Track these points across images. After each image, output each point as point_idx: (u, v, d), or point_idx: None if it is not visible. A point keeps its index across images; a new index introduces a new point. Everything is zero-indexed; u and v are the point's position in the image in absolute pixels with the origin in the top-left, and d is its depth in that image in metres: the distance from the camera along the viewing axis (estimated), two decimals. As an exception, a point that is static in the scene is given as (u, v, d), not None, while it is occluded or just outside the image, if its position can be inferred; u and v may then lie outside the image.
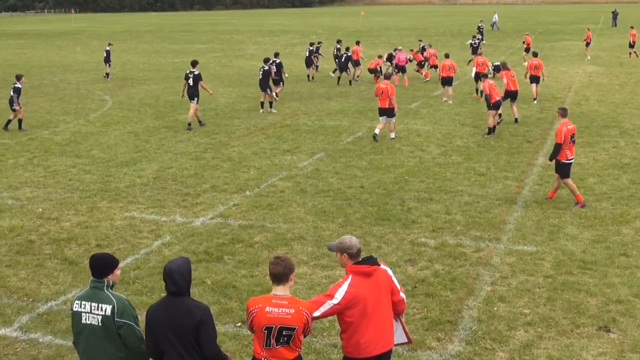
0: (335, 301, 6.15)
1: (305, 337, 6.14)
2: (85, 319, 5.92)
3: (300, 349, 6.12)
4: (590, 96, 28.03)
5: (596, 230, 12.56)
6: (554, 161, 14.09)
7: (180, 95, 24.65)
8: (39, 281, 10.67)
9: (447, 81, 26.55)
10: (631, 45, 43.66)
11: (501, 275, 10.69)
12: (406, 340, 6.82)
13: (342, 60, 32.53)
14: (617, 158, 17.82)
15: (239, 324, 9.06)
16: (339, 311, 6.18)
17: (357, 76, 33.91)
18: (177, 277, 5.80)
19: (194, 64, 22.95)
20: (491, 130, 20.72)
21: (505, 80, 22.45)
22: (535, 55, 27.86)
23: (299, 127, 22.45)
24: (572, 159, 14.05)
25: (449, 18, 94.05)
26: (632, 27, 45.62)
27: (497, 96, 20.57)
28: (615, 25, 71.27)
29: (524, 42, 43.88)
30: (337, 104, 26.87)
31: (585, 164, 17.22)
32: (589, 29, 47.28)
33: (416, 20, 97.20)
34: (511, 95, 22.51)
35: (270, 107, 25.61)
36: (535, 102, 26.63)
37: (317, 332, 8.94)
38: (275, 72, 26.59)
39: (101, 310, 5.87)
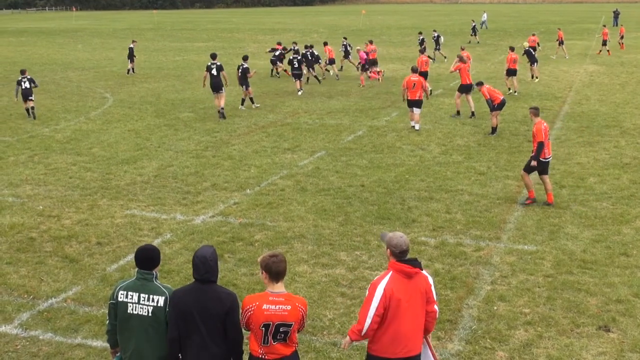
0: (380, 293, 6.12)
1: (299, 332, 6.16)
2: (132, 309, 6.03)
3: (296, 344, 6.14)
4: (591, 96, 28.02)
5: (596, 230, 12.57)
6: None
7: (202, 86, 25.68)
8: (39, 278, 10.68)
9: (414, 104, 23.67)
10: (604, 43, 45.06)
11: (501, 275, 10.69)
12: None
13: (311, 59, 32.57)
14: (617, 158, 17.81)
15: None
16: (385, 304, 6.12)
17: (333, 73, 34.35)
18: (212, 264, 5.96)
19: (214, 56, 24.33)
20: (494, 130, 20.79)
21: (461, 75, 23.64)
22: (512, 49, 28.77)
23: (299, 125, 22.45)
24: (548, 158, 14.19)
25: (450, 17, 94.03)
26: (604, 26, 47.37)
27: (501, 96, 20.66)
28: (617, 25, 71.11)
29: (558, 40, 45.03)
30: (337, 103, 26.86)
31: (585, 164, 17.22)
32: (605, 26, 48.14)
33: (417, 19, 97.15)
34: (466, 88, 23.48)
35: (253, 102, 25.89)
36: (516, 94, 28.07)
37: (316, 331, 8.95)
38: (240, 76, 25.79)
39: (152, 301, 6.00)
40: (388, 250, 6.30)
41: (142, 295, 6.02)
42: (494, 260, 11.27)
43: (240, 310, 6.01)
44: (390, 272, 6.24)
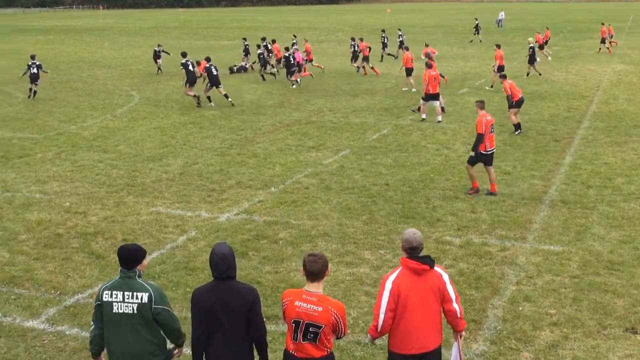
0: (388, 287, 6.17)
1: (338, 338, 6.14)
2: (118, 308, 6.02)
3: (330, 348, 6.06)
4: (619, 95, 27.71)
5: (624, 231, 12.42)
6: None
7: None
8: (66, 274, 10.79)
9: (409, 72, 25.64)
10: (602, 41, 45.30)
11: (527, 275, 10.61)
12: None
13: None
14: (645, 158, 17.60)
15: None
16: (395, 299, 6.15)
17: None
18: (231, 260, 6.02)
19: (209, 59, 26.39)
20: (518, 127, 20.67)
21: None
22: (498, 46, 29.97)
23: (324, 124, 22.45)
24: (491, 150, 14.60)
25: (476, 15, 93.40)
26: (602, 24, 47.26)
27: (519, 94, 20.65)
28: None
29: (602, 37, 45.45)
30: (362, 101, 26.82)
31: (613, 164, 17.03)
32: (603, 24, 47.90)
33: (442, 17, 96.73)
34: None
35: (210, 101, 26.24)
36: (492, 87, 29.31)
37: (341, 329, 8.93)
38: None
39: (136, 298, 5.99)
40: (401, 245, 6.36)
41: (126, 293, 6.02)
42: (519, 260, 11.19)
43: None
44: (400, 268, 6.30)
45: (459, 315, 6.42)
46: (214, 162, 17.52)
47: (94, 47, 54.10)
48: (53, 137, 20.77)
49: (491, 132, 14.58)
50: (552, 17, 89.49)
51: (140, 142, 19.93)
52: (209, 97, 26.12)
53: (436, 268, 6.34)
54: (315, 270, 5.95)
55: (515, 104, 20.54)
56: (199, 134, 21.10)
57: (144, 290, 6.02)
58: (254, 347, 6.16)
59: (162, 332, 6.18)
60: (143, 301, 5.98)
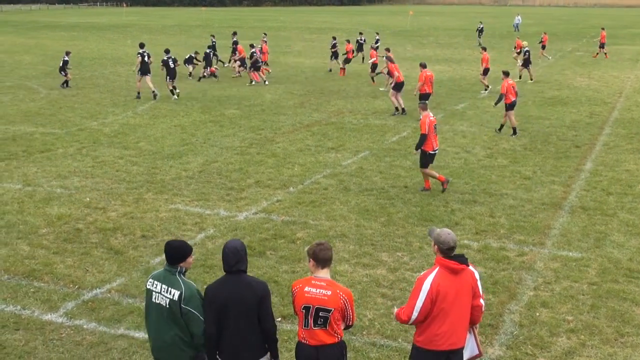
0: (427, 288, 6.21)
1: (348, 327, 6.29)
2: (155, 298, 6.23)
3: (340, 335, 6.23)
4: (642, 102, 27.48)
5: (644, 239, 12.32)
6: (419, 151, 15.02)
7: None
8: (84, 269, 10.88)
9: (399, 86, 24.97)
10: (601, 46, 45.42)
11: (544, 281, 10.56)
12: (477, 353, 6.76)
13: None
14: (667, 166, 17.45)
15: (279, 319, 9.09)
16: (432, 299, 6.20)
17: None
18: (242, 254, 6.15)
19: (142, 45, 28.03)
20: (510, 130, 21.10)
21: (396, 73, 24.31)
22: (484, 49, 30.36)
23: (344, 125, 22.46)
24: (436, 150, 15.06)
25: (498, 19, 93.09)
26: (603, 29, 47.45)
27: (513, 97, 20.86)
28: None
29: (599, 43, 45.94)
30: (382, 103, 26.79)
31: (634, 171, 16.90)
32: (603, 29, 47.90)
33: (465, 20, 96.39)
34: (399, 86, 24.29)
35: (173, 93, 27.70)
36: (486, 92, 29.33)
37: (356, 330, 8.94)
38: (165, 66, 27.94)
39: (170, 293, 6.15)
40: (435, 246, 6.39)
41: (163, 286, 6.21)
42: (537, 265, 11.14)
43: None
44: (437, 268, 6.32)
45: (483, 309, 6.59)
46: (233, 161, 17.58)
47: (116, 44, 54.43)
48: (74, 133, 20.93)
49: (435, 132, 14.95)
50: (575, 23, 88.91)
51: (160, 140, 20.04)
52: (171, 90, 27.78)
53: (469, 266, 6.43)
54: (328, 257, 6.19)
55: (508, 106, 20.80)
56: (219, 132, 21.18)
57: (178, 287, 6.15)
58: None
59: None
60: (174, 298, 6.12)
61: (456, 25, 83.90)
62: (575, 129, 22.08)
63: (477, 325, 6.75)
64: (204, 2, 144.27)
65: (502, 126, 21.45)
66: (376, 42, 41.64)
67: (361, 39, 43.04)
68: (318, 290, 6.07)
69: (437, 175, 15.12)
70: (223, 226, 12.84)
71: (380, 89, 29.92)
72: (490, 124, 22.60)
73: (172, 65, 27.49)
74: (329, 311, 6.05)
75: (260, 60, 33.01)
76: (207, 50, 35.00)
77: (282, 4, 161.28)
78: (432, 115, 15.04)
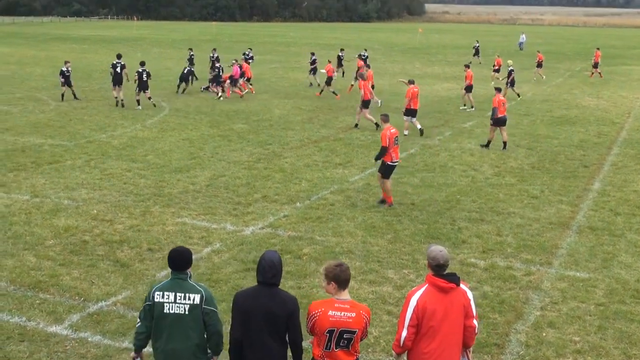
0: (413, 304, 6.19)
1: (361, 340, 6.27)
2: (169, 309, 6.24)
3: (358, 353, 6.23)
4: (651, 122, 27.43)
5: (652, 260, 12.26)
6: (379, 162, 15.30)
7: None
8: (90, 281, 10.88)
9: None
10: (595, 65, 45.46)
11: (551, 301, 10.51)
12: None
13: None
14: (676, 187, 17.37)
15: (284, 335, 9.04)
16: (418, 316, 6.17)
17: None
18: (279, 268, 6.21)
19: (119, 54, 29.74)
20: (488, 144, 21.69)
21: (362, 91, 24.40)
22: (467, 66, 30.55)
23: (352, 141, 22.47)
24: (396, 162, 15.23)
25: (507, 38, 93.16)
26: (597, 49, 47.67)
27: (502, 114, 21.23)
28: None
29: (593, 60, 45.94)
30: (390, 120, 26.74)
31: (642, 192, 16.85)
32: (598, 49, 48.17)
33: (474, 38, 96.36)
34: (366, 103, 24.46)
35: (138, 104, 28.37)
36: (473, 109, 29.54)
37: (362, 348, 8.86)
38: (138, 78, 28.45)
39: (189, 299, 6.23)
40: (427, 262, 6.38)
41: (178, 294, 6.24)
42: (544, 285, 11.09)
43: (307, 316, 6.15)
44: (426, 285, 6.29)
45: (476, 331, 6.47)
46: (240, 176, 17.60)
47: (126, 57, 54.32)
48: (83, 145, 21.01)
49: (395, 144, 15.09)
50: (584, 42, 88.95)
51: (168, 153, 20.09)
52: (137, 101, 28.43)
53: (461, 285, 6.35)
54: (347, 277, 6.14)
55: (495, 121, 21.30)
56: (226, 146, 21.22)
57: (196, 291, 6.26)
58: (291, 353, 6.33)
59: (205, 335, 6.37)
60: (195, 302, 6.22)
61: (465, 43, 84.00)
62: (584, 148, 22.05)
63: (471, 349, 6.62)
64: (214, 16, 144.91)
65: (489, 142, 21.81)
66: (364, 56, 42.83)
67: (341, 54, 43.51)
68: (342, 313, 6.00)
69: (389, 193, 15.26)
70: (229, 240, 12.84)
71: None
72: (498, 142, 22.57)
73: (144, 78, 28.20)
74: (353, 332, 6.02)
75: (221, 75, 32.97)
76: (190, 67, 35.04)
77: (292, 20, 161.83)
78: (393, 128, 15.19)
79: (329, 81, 33.38)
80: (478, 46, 56.97)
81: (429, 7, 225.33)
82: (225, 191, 16.17)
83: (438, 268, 6.26)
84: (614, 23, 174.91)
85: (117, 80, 28.89)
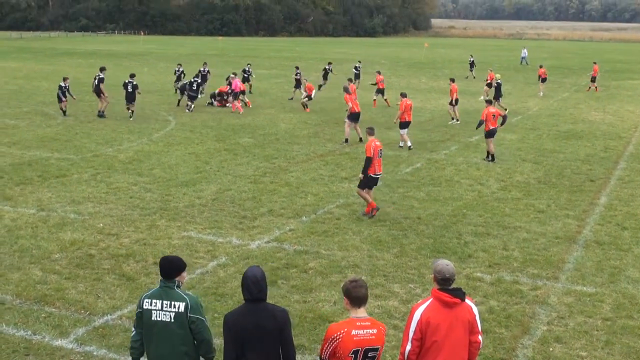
0: (416, 318, 6.16)
1: None
2: (156, 316, 6.28)
3: None
4: (657, 137, 27.38)
5: (659, 275, 12.20)
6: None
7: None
8: (96, 295, 10.87)
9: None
10: (593, 80, 45.68)
11: (558, 315, 10.46)
12: None
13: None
14: (683, 201, 17.31)
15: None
16: (422, 330, 6.13)
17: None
18: (262, 284, 6.13)
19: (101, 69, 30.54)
20: (490, 156, 21.93)
21: (350, 104, 24.55)
22: (453, 80, 31.20)
23: (357, 155, 22.48)
24: (378, 174, 15.46)
25: (513, 53, 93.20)
26: (595, 63, 48.11)
27: (493, 125, 21.62)
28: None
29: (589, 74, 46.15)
30: (396, 134, 26.78)
31: (649, 206, 16.79)
32: (595, 63, 48.54)
33: (479, 53, 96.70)
34: (355, 116, 24.55)
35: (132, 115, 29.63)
36: (458, 122, 30.11)
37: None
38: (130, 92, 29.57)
39: (174, 307, 6.24)
40: (433, 275, 6.34)
41: (164, 302, 6.28)
42: (551, 300, 11.04)
43: (324, 340, 6.01)
44: (430, 299, 6.26)
45: (480, 347, 6.46)
46: (246, 190, 17.61)
47: (133, 71, 54.84)
48: (89, 159, 21.06)
49: (379, 156, 15.29)
50: (591, 57, 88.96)
51: (174, 167, 20.12)
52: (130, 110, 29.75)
53: (466, 300, 6.32)
54: (362, 295, 6.00)
55: (487, 133, 21.67)
56: (232, 160, 21.25)
57: (182, 299, 6.27)
58: None
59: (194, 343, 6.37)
60: (180, 310, 6.22)
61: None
62: (590, 162, 22.01)
63: None
64: (221, 31, 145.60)
65: (489, 154, 22.06)
66: (358, 68, 44.12)
67: (329, 68, 43.93)
68: (365, 331, 5.90)
69: (370, 200, 15.39)
70: (235, 254, 12.83)
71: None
72: (504, 157, 22.56)
73: (130, 90, 29.29)
74: (377, 350, 5.95)
75: (195, 90, 33.11)
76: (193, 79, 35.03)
77: (298, 35, 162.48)
78: (377, 141, 15.36)
79: (309, 97, 33.75)
80: (473, 60, 57.39)
81: (434, 22, 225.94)
82: (231, 205, 16.18)
83: (444, 282, 6.23)
84: (620, 38, 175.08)
85: (130, 98, 29.59)
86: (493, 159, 21.77)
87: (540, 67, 44.67)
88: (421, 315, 6.14)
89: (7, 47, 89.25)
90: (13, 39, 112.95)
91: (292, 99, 38.02)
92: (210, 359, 6.51)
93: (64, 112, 29.81)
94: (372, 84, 37.56)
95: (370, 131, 15.71)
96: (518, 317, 10.34)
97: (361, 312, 6.01)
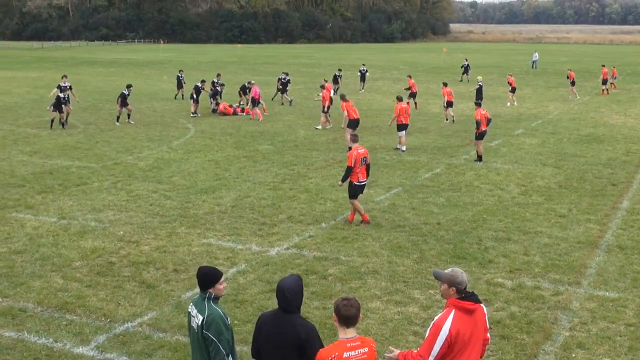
0: (445, 333, 6.09)
1: None
2: (191, 322, 6.46)
3: None
4: (680, 140, 27.09)
5: (683, 279, 12.04)
6: (346, 183, 15.22)
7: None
8: (117, 302, 10.92)
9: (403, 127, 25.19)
10: (603, 82, 45.55)
11: (580, 321, 10.36)
12: None
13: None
14: None
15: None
16: (450, 343, 6.11)
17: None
18: (288, 295, 6.09)
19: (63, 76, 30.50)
20: (479, 157, 22.38)
21: (345, 112, 24.84)
22: (445, 85, 32.55)
23: (376, 161, 22.44)
24: (363, 182, 15.17)
25: (531, 57, 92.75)
26: (603, 66, 47.97)
27: (484, 127, 22.15)
28: None
29: (567, 77, 44.96)
30: (416, 140, 26.77)
31: (672, 210, 16.60)
32: (604, 66, 48.32)
33: (499, 57, 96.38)
34: (353, 123, 24.54)
35: (128, 118, 30.70)
36: (450, 122, 31.60)
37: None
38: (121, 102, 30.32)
39: (197, 319, 6.34)
40: (451, 288, 6.24)
41: (195, 310, 6.42)
42: (573, 305, 10.93)
43: None
44: (454, 311, 6.20)
45: (488, 343, 6.59)
46: (266, 196, 17.63)
47: (152, 79, 55.27)
48: (110, 167, 21.19)
49: (362, 164, 15.03)
50: (611, 60, 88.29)
51: (194, 174, 20.19)
52: (128, 115, 30.78)
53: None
54: (350, 314, 5.80)
55: (478, 135, 22.17)
56: (252, 167, 21.29)
57: (202, 313, 6.31)
58: None
59: None
60: (199, 323, 6.31)
61: (490, 62, 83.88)
62: (612, 166, 21.81)
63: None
64: (239, 39, 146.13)
65: (479, 156, 22.46)
66: (363, 71, 45.13)
67: (338, 74, 44.74)
68: (357, 351, 5.79)
69: (362, 211, 15.26)
70: (255, 261, 12.84)
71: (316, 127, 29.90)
72: (524, 161, 22.43)
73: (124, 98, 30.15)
74: None
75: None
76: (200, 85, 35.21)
77: (316, 41, 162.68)
78: (362, 148, 15.17)
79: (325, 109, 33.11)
80: (467, 64, 57.67)
81: (453, 26, 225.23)
82: (250, 212, 16.20)
83: (464, 291, 6.23)
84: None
85: (125, 104, 30.30)
86: (481, 160, 22.28)
87: (569, 70, 45.14)
88: (450, 330, 6.09)
89: (29, 57, 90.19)
90: (34, 49, 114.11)
91: (282, 104, 38.50)
92: None
93: (63, 124, 29.05)
94: (405, 89, 37.64)
95: (354, 138, 15.57)
96: (540, 323, 10.25)
97: (350, 332, 5.84)
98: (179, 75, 41.96)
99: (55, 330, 9.93)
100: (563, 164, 21.99)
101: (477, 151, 22.58)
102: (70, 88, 30.52)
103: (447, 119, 31.99)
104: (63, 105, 28.89)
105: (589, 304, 11.01)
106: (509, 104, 39.22)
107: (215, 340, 6.19)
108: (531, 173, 20.74)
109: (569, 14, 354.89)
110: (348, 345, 5.80)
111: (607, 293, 11.45)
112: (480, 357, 6.50)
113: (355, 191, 15.18)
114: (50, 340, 9.63)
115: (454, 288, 6.22)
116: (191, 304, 6.53)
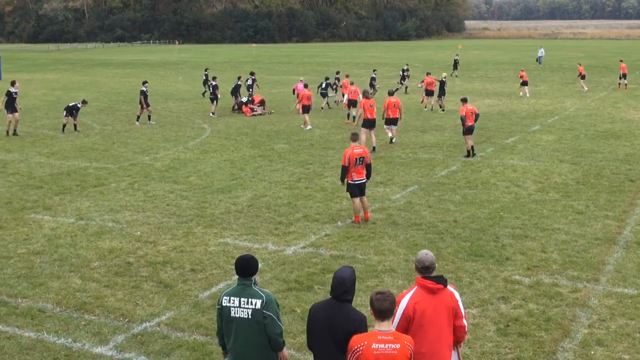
0: (402, 307, 6.39)
1: None
2: (234, 313, 6.61)
3: None
4: (699, 135, 26.84)
5: (703, 275, 11.94)
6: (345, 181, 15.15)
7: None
8: (134, 302, 10.97)
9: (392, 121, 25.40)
10: (622, 77, 45.52)
11: (599, 318, 10.29)
12: None
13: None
14: None
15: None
16: (409, 318, 6.35)
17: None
18: (348, 284, 6.33)
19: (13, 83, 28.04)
20: (469, 153, 22.62)
21: (362, 109, 24.35)
22: (428, 74, 35.21)
23: (392, 159, 22.41)
24: (357, 181, 14.91)
25: (549, 53, 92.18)
26: (621, 61, 47.66)
27: (471, 122, 22.31)
28: None
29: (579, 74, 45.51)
30: (431, 137, 26.71)
31: (692, 205, 16.46)
32: (621, 60, 48.11)
33: (515, 54, 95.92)
34: (370, 123, 23.96)
35: (149, 120, 31.24)
36: (429, 110, 34.26)
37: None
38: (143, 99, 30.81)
39: (251, 304, 6.56)
40: (415, 266, 6.60)
41: (242, 299, 6.60)
42: (591, 302, 10.87)
43: (348, 351, 6.02)
44: (415, 287, 6.50)
45: (466, 330, 6.71)
46: (282, 195, 17.65)
47: (168, 80, 55.47)
48: (127, 168, 21.30)
49: (359, 164, 14.87)
50: (627, 55, 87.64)
51: (210, 174, 20.25)
52: (149, 116, 31.32)
53: (449, 287, 6.56)
54: (383, 308, 5.95)
55: (465, 130, 22.48)
56: (268, 167, 21.32)
57: (259, 297, 6.60)
58: None
59: None
60: (257, 307, 6.54)
61: (506, 58, 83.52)
62: (629, 162, 21.65)
63: (462, 343, 6.89)
64: (254, 39, 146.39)
65: (468, 151, 22.73)
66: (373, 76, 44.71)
67: (374, 75, 44.72)
68: (386, 345, 5.83)
69: (357, 212, 15.16)
70: (271, 260, 12.86)
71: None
72: (541, 158, 22.32)
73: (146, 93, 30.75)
74: None
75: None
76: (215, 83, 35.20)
77: (331, 40, 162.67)
78: (359, 148, 15.03)
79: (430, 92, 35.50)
80: (458, 59, 59.18)
81: (468, 23, 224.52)
82: (266, 211, 16.23)
83: (424, 270, 6.50)
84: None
85: (11, 109, 27.10)
86: (473, 154, 22.51)
87: (579, 64, 45.01)
88: (408, 303, 6.36)
89: (45, 59, 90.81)
90: (51, 51, 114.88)
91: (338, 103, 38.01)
92: (278, 351, 6.77)
93: (66, 129, 28.58)
94: (419, 86, 38.00)
95: (354, 137, 15.37)
96: (558, 320, 10.20)
97: (385, 326, 5.95)
98: (206, 74, 42.92)
99: (74, 330, 10.00)
100: (580, 160, 21.86)
101: (466, 147, 22.73)
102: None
103: (426, 107, 34.92)
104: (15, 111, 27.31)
105: (608, 300, 10.94)
106: (521, 93, 40.83)
107: (275, 318, 6.56)
108: (548, 170, 20.63)
109: (585, 9, 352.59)
110: (379, 337, 5.90)
111: (626, 290, 11.38)
112: (460, 342, 6.73)
113: (350, 189, 15.10)
114: (69, 340, 9.70)
115: (416, 266, 6.56)
116: (227, 296, 6.68)
